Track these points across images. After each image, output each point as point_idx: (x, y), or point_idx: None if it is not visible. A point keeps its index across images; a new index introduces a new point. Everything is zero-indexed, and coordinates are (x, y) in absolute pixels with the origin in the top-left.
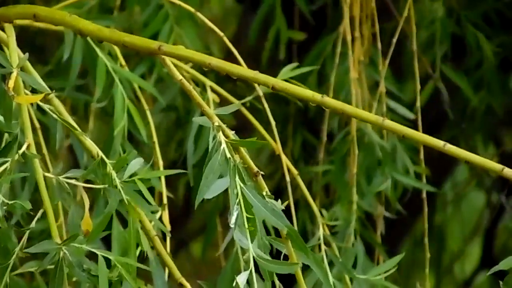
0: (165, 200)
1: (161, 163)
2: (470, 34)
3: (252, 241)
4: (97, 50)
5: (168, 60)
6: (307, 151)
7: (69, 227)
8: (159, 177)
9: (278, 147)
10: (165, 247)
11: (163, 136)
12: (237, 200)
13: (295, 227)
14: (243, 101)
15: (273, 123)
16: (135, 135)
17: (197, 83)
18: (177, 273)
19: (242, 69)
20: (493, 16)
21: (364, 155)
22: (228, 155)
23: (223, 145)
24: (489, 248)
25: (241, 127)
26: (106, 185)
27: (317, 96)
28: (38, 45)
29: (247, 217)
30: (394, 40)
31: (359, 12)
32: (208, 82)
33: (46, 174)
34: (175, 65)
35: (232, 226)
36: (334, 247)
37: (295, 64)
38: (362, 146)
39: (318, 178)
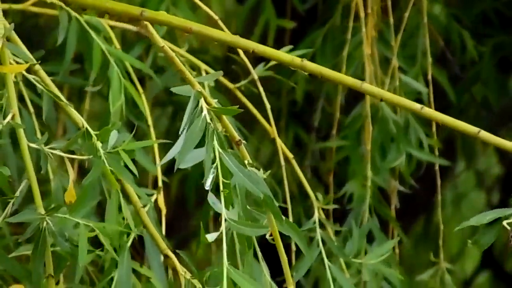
0: (160, 183)
1: (156, 146)
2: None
3: (226, 205)
4: (92, 33)
5: (150, 26)
6: (299, 146)
7: (53, 198)
8: (155, 163)
9: (273, 130)
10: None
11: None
12: (215, 164)
13: (289, 209)
14: (238, 84)
15: (268, 106)
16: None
17: (193, 67)
18: (163, 245)
19: (222, 33)
20: (492, 16)
21: (378, 131)
22: (209, 121)
23: (204, 111)
24: (489, 248)
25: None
26: (91, 156)
27: (296, 60)
28: (35, 40)
29: (223, 182)
30: (406, 14)
31: None
32: (203, 66)
33: (30, 144)
34: (172, 49)
35: (207, 188)
36: (330, 231)
37: (289, 47)
38: (375, 122)
39: (332, 154)
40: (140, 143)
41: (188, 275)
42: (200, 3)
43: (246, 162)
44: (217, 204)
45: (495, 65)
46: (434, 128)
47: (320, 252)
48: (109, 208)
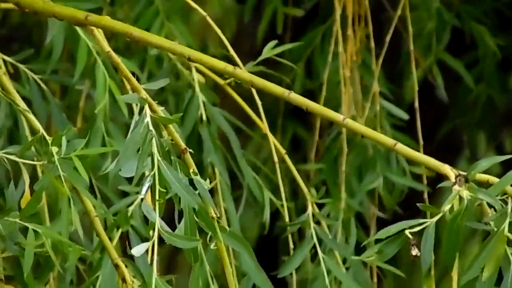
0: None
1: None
2: (470, 28)
3: (160, 214)
4: (80, 31)
5: (96, 31)
6: (297, 147)
7: (8, 203)
8: None
9: (265, 126)
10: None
11: None
12: (151, 173)
13: (285, 207)
14: (228, 81)
15: (259, 103)
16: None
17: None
18: (114, 254)
19: (160, 39)
20: (492, 16)
21: (356, 154)
22: (151, 128)
23: (147, 118)
24: None
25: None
26: (45, 161)
27: (229, 67)
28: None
29: (159, 190)
30: (387, 39)
31: (352, 11)
32: (194, 63)
33: None
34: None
35: (141, 197)
36: (324, 225)
37: (274, 42)
38: (354, 145)
39: (311, 177)
40: (94, 150)
41: (136, 285)
42: (195, 5)
43: (191, 171)
44: (151, 213)
45: (497, 65)
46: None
47: (314, 246)
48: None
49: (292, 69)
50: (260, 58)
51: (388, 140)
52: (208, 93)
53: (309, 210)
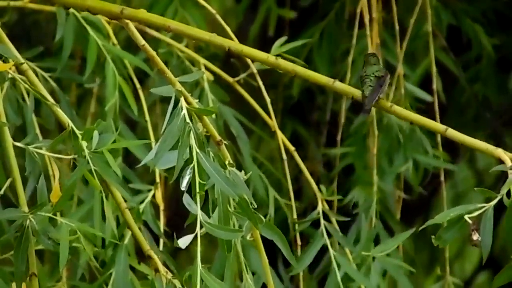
0: (157, 179)
1: (153, 140)
2: (468, 27)
3: (201, 206)
4: (89, 29)
5: (131, 24)
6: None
7: (38, 197)
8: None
9: (273, 123)
10: (158, 223)
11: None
12: (191, 165)
13: (293, 204)
14: (236, 78)
15: (267, 99)
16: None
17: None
18: (146, 246)
19: (199, 32)
20: (491, 15)
21: (384, 137)
22: (188, 121)
23: (184, 110)
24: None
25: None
26: (76, 156)
27: (271, 58)
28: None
29: (199, 183)
30: (412, 20)
31: None
32: (202, 60)
33: (15, 143)
34: (171, 45)
35: (183, 189)
36: (334, 222)
37: (284, 39)
38: (381, 128)
39: (337, 161)
40: (124, 143)
41: (169, 275)
42: (204, 2)
43: (226, 162)
44: (192, 205)
45: (495, 65)
46: (439, 138)
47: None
48: (94, 209)
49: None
50: (271, 53)
51: (438, 126)
52: (217, 91)
53: (319, 207)
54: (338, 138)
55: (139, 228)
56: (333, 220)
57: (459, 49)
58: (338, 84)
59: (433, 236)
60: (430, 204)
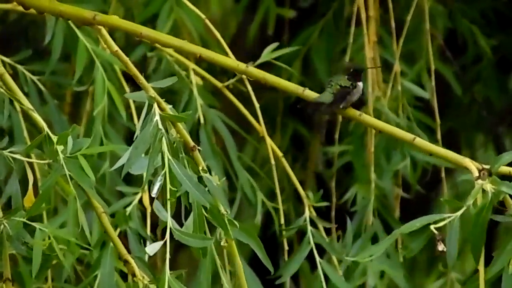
0: (144, 182)
1: None
2: (465, 28)
3: (171, 213)
4: (78, 32)
5: (103, 30)
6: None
7: (13, 202)
8: None
9: (262, 129)
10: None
11: None
12: (163, 172)
13: (281, 209)
14: (226, 83)
15: (256, 105)
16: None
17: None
18: (123, 250)
19: (170, 38)
20: (491, 15)
21: (382, 135)
22: (160, 126)
23: (157, 117)
24: (489, 248)
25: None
26: (50, 160)
27: (241, 65)
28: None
29: (170, 189)
30: (408, 18)
31: None
32: (191, 65)
33: None
34: (160, 49)
35: (153, 196)
36: (321, 228)
37: (275, 44)
38: None
39: (335, 159)
40: (99, 148)
41: (146, 280)
42: (189, 4)
43: (200, 168)
44: (162, 212)
45: (495, 65)
46: (439, 135)
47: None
48: (67, 214)
49: (290, 66)
50: (258, 62)
51: (407, 135)
52: (206, 96)
53: (306, 213)
54: (336, 136)
55: (125, 231)
56: (320, 226)
57: (457, 50)
58: (308, 93)
59: (399, 247)
60: (431, 203)
